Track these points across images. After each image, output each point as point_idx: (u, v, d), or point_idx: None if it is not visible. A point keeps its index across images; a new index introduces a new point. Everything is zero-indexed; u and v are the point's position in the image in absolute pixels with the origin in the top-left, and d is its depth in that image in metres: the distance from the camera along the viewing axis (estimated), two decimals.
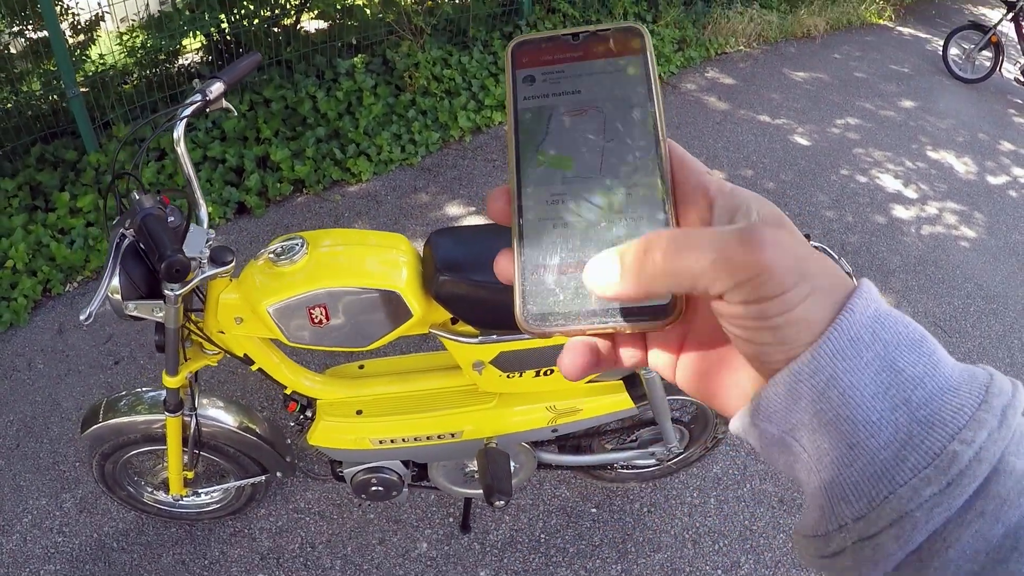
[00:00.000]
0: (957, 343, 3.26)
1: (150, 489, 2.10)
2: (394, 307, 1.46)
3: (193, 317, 1.54)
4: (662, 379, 1.73)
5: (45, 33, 3.18)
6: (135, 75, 3.88)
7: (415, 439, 1.76)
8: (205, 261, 1.39)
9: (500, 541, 2.23)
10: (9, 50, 3.41)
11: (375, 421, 1.73)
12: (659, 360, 0.39)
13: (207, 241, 1.42)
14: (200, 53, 4.20)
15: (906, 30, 7.43)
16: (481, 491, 1.99)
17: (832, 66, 6.08)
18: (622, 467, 2.27)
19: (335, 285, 1.41)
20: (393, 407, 1.76)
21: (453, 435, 1.76)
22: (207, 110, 1.43)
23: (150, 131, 3.24)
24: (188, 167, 1.42)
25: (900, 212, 4.18)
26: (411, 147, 4.00)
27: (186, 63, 4.16)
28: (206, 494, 2.12)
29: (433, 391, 1.79)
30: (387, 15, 4.40)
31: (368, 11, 4.47)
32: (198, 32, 3.92)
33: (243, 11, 4.05)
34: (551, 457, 2.01)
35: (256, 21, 4.09)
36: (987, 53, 6.18)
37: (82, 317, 1.20)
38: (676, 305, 0.35)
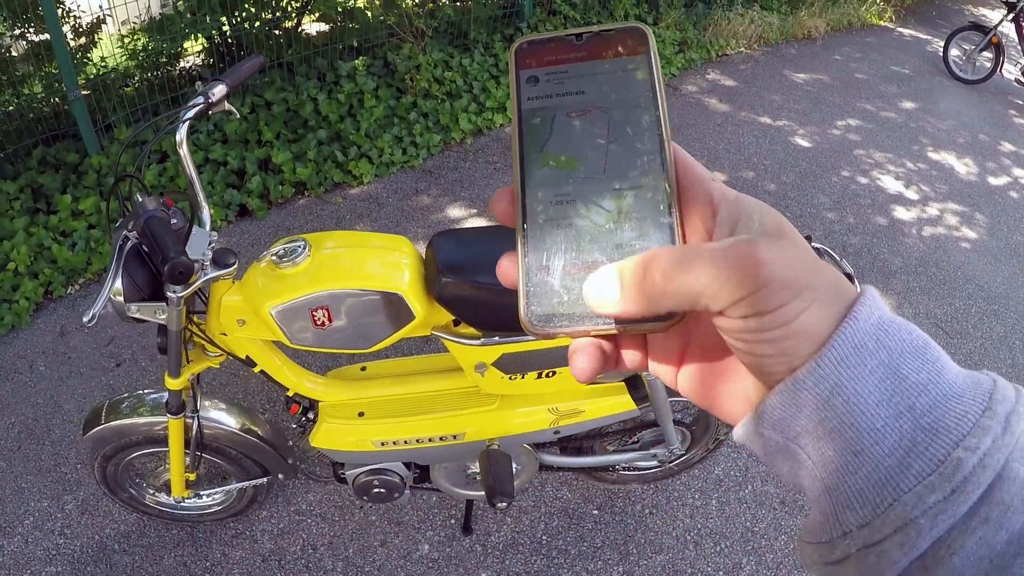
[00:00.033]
0: (958, 344, 3.26)
1: (152, 491, 2.11)
2: (396, 309, 1.46)
3: (195, 319, 1.54)
4: None
5: (47, 36, 3.19)
6: (136, 78, 3.88)
7: (417, 441, 1.76)
8: (208, 263, 1.39)
9: (502, 543, 2.23)
10: (11, 53, 3.41)
11: (377, 423, 1.73)
12: (660, 367, 0.39)
13: (209, 243, 1.42)
14: (201, 56, 4.20)
15: (907, 31, 7.43)
16: (483, 493, 1.99)
17: (833, 67, 6.08)
18: (624, 469, 2.27)
19: (337, 287, 1.41)
20: (395, 409, 1.76)
21: (455, 437, 1.77)
22: (209, 112, 1.44)
23: (152, 133, 3.25)
24: (191, 169, 1.43)
25: (901, 213, 4.19)
26: (412, 149, 4.00)
27: (187, 66, 4.17)
28: (208, 496, 2.13)
29: (435, 393, 1.80)
30: (388, 18, 4.41)
31: (369, 14, 4.48)
32: (199, 35, 3.92)
33: (244, 14, 4.05)
34: (553, 459, 2.01)
35: (257, 24, 4.10)
36: (988, 54, 6.18)
37: (85, 319, 1.20)
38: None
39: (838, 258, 1.64)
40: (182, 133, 1.39)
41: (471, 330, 1.61)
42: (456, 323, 1.62)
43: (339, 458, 1.83)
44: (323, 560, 2.15)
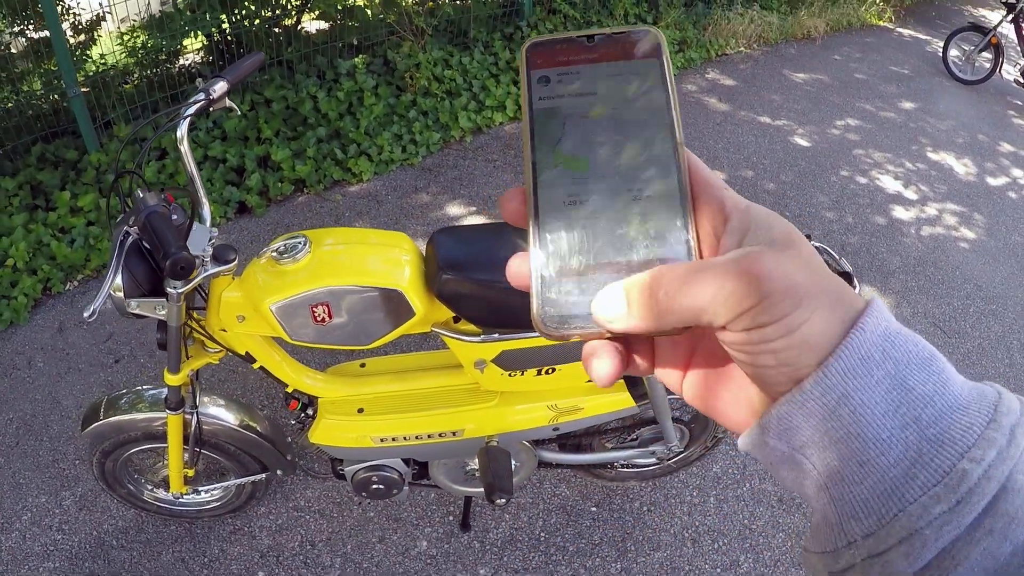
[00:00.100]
0: (956, 344, 3.27)
1: (150, 487, 2.11)
2: (396, 305, 1.46)
3: (195, 315, 1.54)
4: None
5: (46, 33, 3.19)
6: (136, 75, 3.88)
7: (416, 437, 1.76)
8: (208, 259, 1.39)
9: (500, 539, 2.23)
10: (10, 50, 3.41)
11: (376, 419, 1.74)
12: (666, 373, 0.39)
13: (210, 239, 1.43)
14: (201, 53, 4.20)
15: (906, 31, 7.44)
16: (481, 489, 1.99)
17: (832, 67, 6.09)
18: (622, 466, 2.28)
19: (338, 283, 1.41)
20: (394, 405, 1.76)
21: (454, 433, 1.77)
22: (210, 109, 1.44)
23: (151, 130, 3.25)
24: (191, 165, 1.43)
25: (900, 213, 4.19)
26: (412, 147, 4.00)
27: (187, 63, 4.16)
28: (206, 492, 2.13)
29: (435, 389, 1.80)
30: (388, 16, 4.41)
31: (369, 12, 4.48)
32: (199, 32, 3.92)
33: (244, 11, 4.05)
34: (552, 456, 2.01)
35: (257, 21, 4.10)
36: (987, 54, 6.19)
37: (86, 314, 1.20)
38: None
39: (837, 257, 1.65)
40: (183, 130, 1.39)
41: (471, 327, 1.61)
42: (456, 320, 1.62)
43: (338, 454, 1.83)
44: (321, 556, 2.15)
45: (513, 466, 1.94)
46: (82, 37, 3.67)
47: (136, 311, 1.39)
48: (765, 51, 6.16)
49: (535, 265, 0.36)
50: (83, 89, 3.33)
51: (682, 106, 4.92)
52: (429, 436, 1.77)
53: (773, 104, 5.22)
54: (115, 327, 2.80)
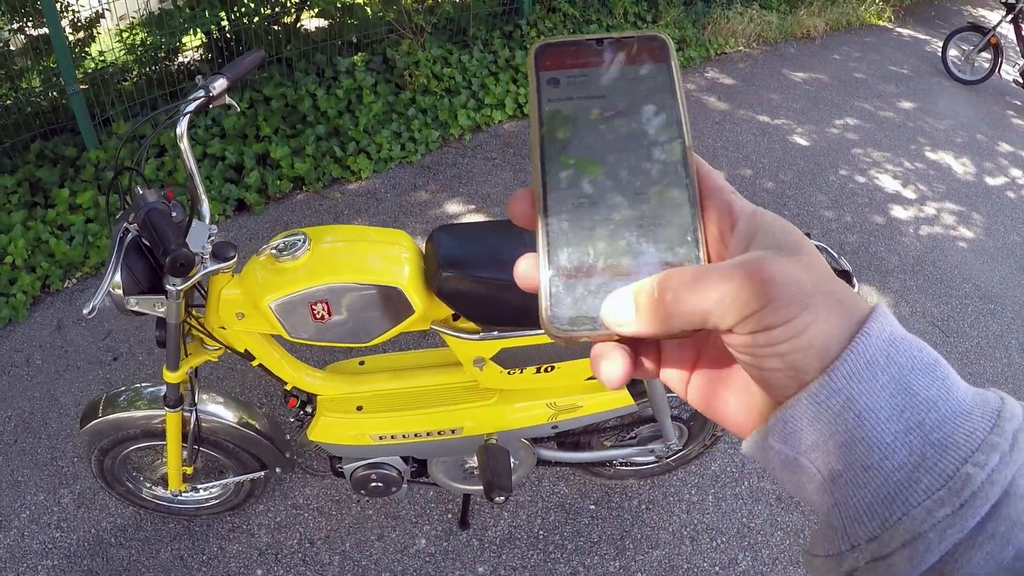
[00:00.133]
0: (954, 343, 3.27)
1: (149, 485, 2.11)
2: (396, 303, 1.46)
3: (194, 312, 1.54)
4: None
5: (45, 30, 3.18)
6: (135, 72, 3.88)
7: (415, 435, 1.76)
8: (207, 256, 1.39)
9: (499, 537, 2.23)
10: (9, 47, 3.40)
11: (375, 417, 1.74)
12: (672, 376, 0.39)
13: (209, 237, 1.42)
14: (200, 51, 4.20)
15: (905, 31, 7.44)
16: (480, 487, 1.99)
17: (831, 67, 6.09)
18: (621, 464, 2.28)
19: (337, 281, 1.41)
20: (394, 403, 1.76)
21: (453, 431, 1.77)
22: (210, 106, 1.44)
23: (150, 127, 3.25)
24: (190, 162, 1.43)
25: (898, 212, 4.19)
26: (411, 145, 4.00)
27: (186, 61, 4.16)
28: (205, 490, 2.13)
29: (434, 387, 1.80)
30: (387, 13, 4.40)
31: (368, 9, 4.48)
32: (198, 30, 3.92)
33: (243, 9, 4.05)
34: (551, 454, 2.01)
35: (256, 19, 4.09)
36: (986, 54, 6.19)
37: (85, 311, 1.20)
38: None
39: (836, 256, 1.65)
40: (182, 127, 1.39)
41: (470, 325, 1.61)
42: (455, 317, 1.62)
43: (337, 452, 1.83)
44: (320, 554, 2.15)
45: (512, 464, 1.95)
46: (81, 34, 3.67)
47: (135, 308, 1.39)
48: (764, 50, 6.17)
49: (543, 267, 0.36)
50: (82, 86, 3.33)
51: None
52: (428, 434, 1.77)
53: (772, 103, 5.22)
54: (114, 325, 2.80)
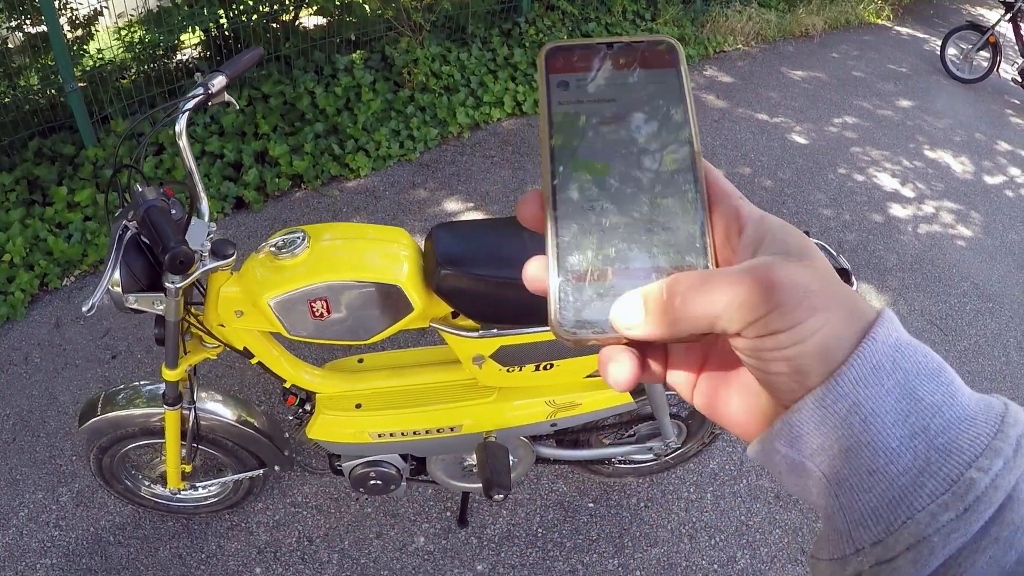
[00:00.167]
0: (952, 341, 3.27)
1: (147, 483, 2.11)
2: (395, 301, 1.46)
3: (193, 310, 1.54)
4: None
5: (43, 28, 3.18)
6: (133, 70, 3.87)
7: (414, 433, 1.76)
8: (206, 254, 1.39)
9: (497, 535, 2.23)
10: (7, 44, 3.40)
11: (374, 415, 1.73)
12: (678, 379, 0.39)
13: (208, 234, 1.42)
14: (198, 48, 4.19)
15: (904, 30, 7.44)
16: (479, 485, 1.99)
17: (830, 65, 6.09)
18: (620, 462, 2.28)
19: (336, 278, 1.41)
20: (392, 401, 1.76)
21: (452, 429, 1.77)
22: (209, 103, 1.43)
23: (149, 125, 3.24)
24: (189, 160, 1.42)
25: (897, 211, 4.20)
26: (409, 143, 3.99)
27: (184, 59, 4.15)
28: (204, 488, 2.13)
29: (433, 385, 1.80)
30: (386, 11, 4.40)
31: (367, 7, 4.47)
32: (196, 27, 3.92)
33: (242, 6, 4.04)
34: (549, 451, 2.01)
35: (255, 17, 4.09)
36: (985, 53, 6.19)
37: (84, 308, 1.20)
38: None
39: (835, 254, 1.65)
40: (181, 124, 1.39)
41: (469, 322, 1.61)
42: (454, 315, 1.62)
43: (336, 450, 1.83)
44: (319, 552, 2.15)
45: (511, 462, 1.95)
46: (79, 32, 3.66)
47: (134, 306, 1.38)
48: (763, 48, 6.16)
49: (552, 269, 0.37)
50: (80, 84, 3.32)
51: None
52: (427, 432, 1.77)
53: (771, 101, 5.22)
54: (112, 323, 2.80)
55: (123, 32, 3.88)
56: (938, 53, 6.45)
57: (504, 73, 4.60)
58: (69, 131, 3.43)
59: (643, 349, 0.38)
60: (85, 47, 3.68)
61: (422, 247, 1.59)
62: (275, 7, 4.28)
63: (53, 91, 3.51)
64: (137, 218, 1.25)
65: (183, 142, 1.40)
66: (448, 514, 2.27)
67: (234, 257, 1.42)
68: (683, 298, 0.33)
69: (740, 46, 6.04)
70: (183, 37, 4.00)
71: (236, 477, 2.01)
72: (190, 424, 1.73)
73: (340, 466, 1.88)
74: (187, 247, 1.20)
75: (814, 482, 0.33)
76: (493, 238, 1.58)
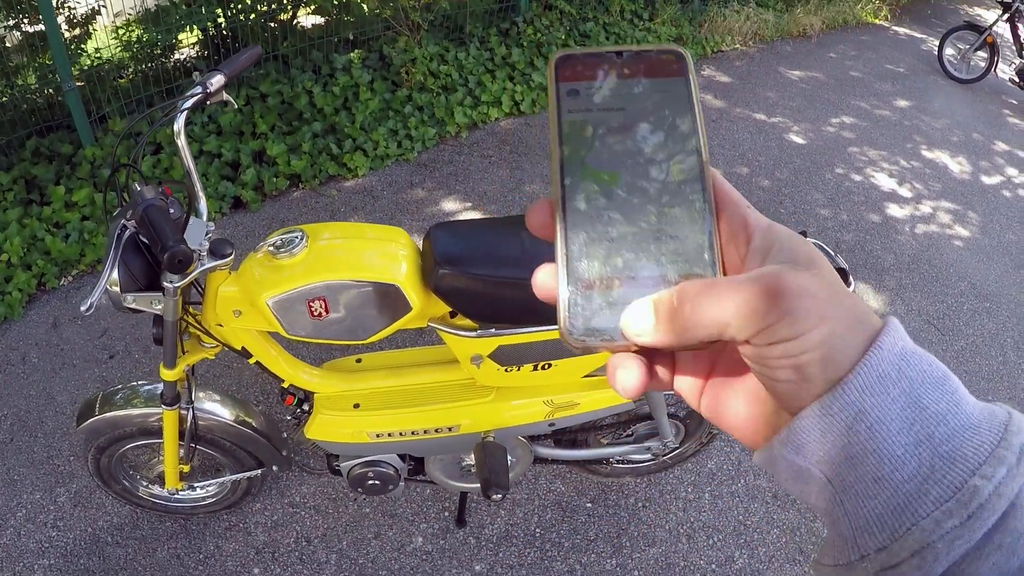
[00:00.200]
0: (950, 341, 3.28)
1: (145, 483, 2.10)
2: (393, 300, 1.46)
3: (191, 310, 1.54)
4: None
5: (41, 27, 3.17)
6: (131, 69, 3.86)
7: (412, 433, 1.76)
8: (204, 253, 1.39)
9: (495, 535, 2.23)
10: (5, 43, 3.39)
11: (373, 415, 1.73)
12: (686, 386, 0.40)
13: (206, 233, 1.42)
14: (196, 48, 4.19)
15: (902, 30, 7.45)
16: (477, 485, 1.99)
17: (828, 65, 6.09)
18: (618, 462, 2.29)
19: (335, 278, 1.41)
20: (391, 401, 1.76)
21: (450, 429, 1.77)
22: (207, 102, 1.43)
23: (147, 124, 3.24)
24: (188, 159, 1.42)
25: (894, 211, 4.20)
26: (407, 142, 3.99)
27: (182, 58, 4.15)
28: (202, 488, 2.13)
29: (431, 385, 1.80)
30: (384, 11, 4.40)
31: (365, 6, 4.47)
32: (194, 27, 3.91)
33: (239, 6, 4.04)
34: (547, 451, 2.02)
35: (253, 16, 4.08)
36: (982, 53, 6.21)
37: (83, 308, 1.19)
38: None
39: (833, 253, 1.65)
40: (180, 123, 1.39)
41: (468, 322, 1.61)
42: (453, 315, 1.62)
43: (334, 450, 1.83)
44: (317, 552, 2.15)
45: (509, 462, 1.95)
46: (77, 31, 3.65)
47: (132, 306, 1.38)
48: (761, 48, 6.17)
49: (562, 277, 0.37)
50: (78, 83, 3.31)
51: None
52: (425, 432, 1.77)
53: (768, 101, 5.22)
54: (110, 323, 2.79)
55: (121, 31, 3.88)
56: (936, 53, 6.46)
57: (502, 73, 4.60)
58: (67, 130, 3.42)
59: (651, 356, 0.38)
60: (83, 46, 3.67)
61: (420, 247, 1.59)
62: (273, 6, 4.28)
63: (51, 90, 3.50)
64: (136, 217, 1.25)
65: (181, 141, 1.40)
66: (446, 514, 2.27)
67: (232, 256, 1.42)
68: (693, 305, 0.33)
69: (738, 46, 6.04)
70: (181, 36, 4.00)
71: (234, 477, 2.00)
72: (188, 424, 1.73)
73: (338, 466, 1.88)
74: (186, 246, 1.20)
75: (820, 489, 0.33)
76: (491, 238, 1.58)
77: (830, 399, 0.31)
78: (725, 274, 0.36)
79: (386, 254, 1.50)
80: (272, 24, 4.21)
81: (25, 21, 3.39)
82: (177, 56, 4.14)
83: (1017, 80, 6.14)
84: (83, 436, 1.80)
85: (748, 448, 0.38)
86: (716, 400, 0.39)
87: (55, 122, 3.40)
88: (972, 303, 3.56)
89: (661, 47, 0.40)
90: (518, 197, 3.75)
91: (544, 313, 1.50)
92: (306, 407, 1.79)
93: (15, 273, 2.87)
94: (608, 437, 2.18)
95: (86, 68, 3.56)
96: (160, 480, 2.01)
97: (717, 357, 0.39)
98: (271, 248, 1.43)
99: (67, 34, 3.53)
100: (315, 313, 1.44)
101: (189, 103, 1.38)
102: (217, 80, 1.43)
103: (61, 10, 3.49)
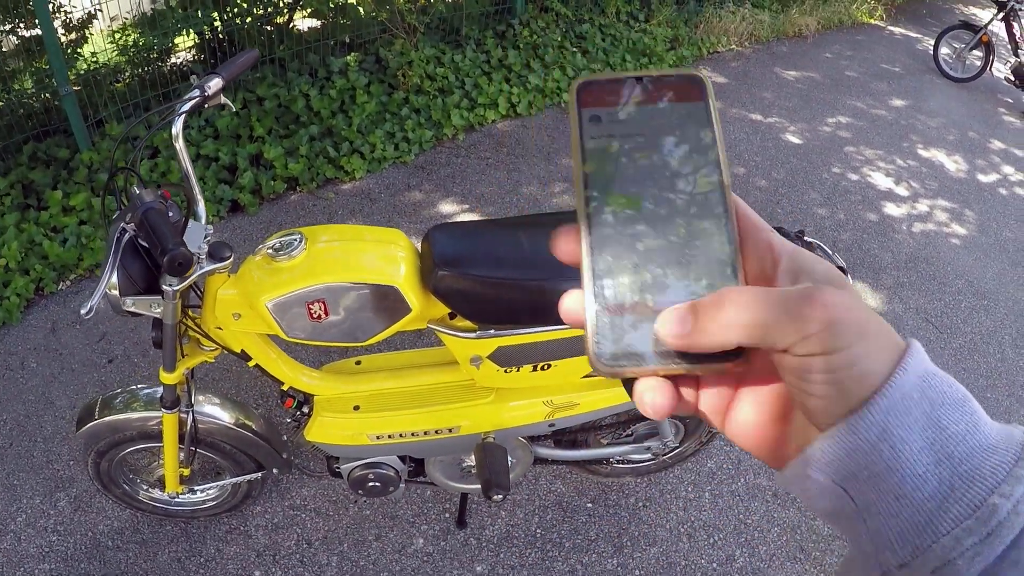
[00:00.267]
0: (948, 339, 3.28)
1: (146, 487, 2.10)
2: (392, 302, 1.46)
3: (190, 313, 1.54)
4: None
5: (38, 31, 3.17)
6: (127, 73, 3.86)
7: (412, 434, 1.76)
8: (203, 257, 1.39)
9: (496, 536, 2.23)
10: (1, 48, 3.39)
11: (373, 417, 1.73)
12: (710, 408, 0.40)
13: (205, 236, 1.42)
14: (192, 52, 4.19)
15: (897, 29, 7.47)
16: (477, 486, 2.00)
17: (823, 65, 6.11)
18: (618, 461, 2.29)
19: (334, 280, 1.41)
20: (390, 402, 1.76)
21: (451, 430, 1.77)
22: (205, 105, 1.43)
23: (144, 129, 3.24)
24: (186, 162, 1.42)
25: (891, 210, 4.21)
26: (404, 145, 4.00)
27: (178, 62, 4.15)
28: (202, 491, 2.12)
29: (431, 386, 1.80)
30: (380, 13, 4.40)
31: (361, 9, 4.47)
32: (191, 30, 3.91)
33: (236, 9, 4.04)
34: (548, 452, 2.02)
35: (249, 19, 4.09)
36: (977, 52, 6.22)
37: (83, 311, 1.19)
38: (744, 348, 0.36)
39: (831, 252, 1.66)
40: (178, 126, 1.39)
41: (467, 323, 1.61)
42: (452, 316, 1.62)
43: (334, 452, 1.83)
44: (318, 555, 2.15)
45: (509, 462, 1.95)
46: (74, 35, 3.65)
47: (131, 309, 1.38)
48: (756, 49, 6.18)
49: (589, 303, 0.37)
50: (75, 88, 3.31)
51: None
52: (425, 433, 1.77)
53: (764, 102, 5.23)
54: (108, 327, 2.79)
55: (117, 35, 3.88)
56: (931, 52, 6.48)
57: (498, 75, 4.60)
58: (64, 135, 3.42)
59: (676, 380, 0.38)
60: (79, 50, 3.67)
61: (419, 248, 1.59)
62: (269, 9, 4.28)
63: (47, 95, 3.50)
64: (135, 220, 1.25)
65: (180, 144, 1.40)
66: (447, 515, 2.27)
67: (231, 259, 1.42)
68: (737, 307, 0.33)
69: (734, 47, 6.05)
70: (177, 40, 4.00)
71: (234, 480, 2.00)
72: (188, 427, 1.73)
73: (338, 468, 1.88)
74: (185, 249, 1.20)
75: (843, 506, 0.34)
76: (490, 239, 1.58)
77: (857, 418, 0.32)
78: None
79: (385, 256, 1.51)
80: (268, 27, 4.21)
81: (21, 26, 3.39)
82: (174, 60, 4.14)
83: (1012, 79, 6.16)
84: (83, 440, 1.80)
85: (771, 467, 0.38)
86: (741, 423, 0.39)
87: (52, 127, 3.40)
88: (970, 301, 3.56)
89: (681, 72, 0.40)
90: (515, 199, 3.76)
91: (543, 314, 1.50)
92: (306, 410, 1.79)
93: (13, 278, 2.86)
94: (608, 437, 2.18)
95: (83, 72, 3.55)
96: (160, 484, 2.01)
97: (742, 380, 0.39)
98: (270, 251, 1.44)
99: (64, 38, 3.53)
100: (314, 315, 1.44)
101: (187, 106, 1.39)
102: (215, 83, 1.43)
103: (58, 14, 3.48)
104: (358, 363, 1.86)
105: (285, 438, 1.96)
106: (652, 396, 0.37)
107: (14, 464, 2.32)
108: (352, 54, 4.33)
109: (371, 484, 1.87)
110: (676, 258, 0.37)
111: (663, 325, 0.35)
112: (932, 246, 3.95)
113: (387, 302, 1.46)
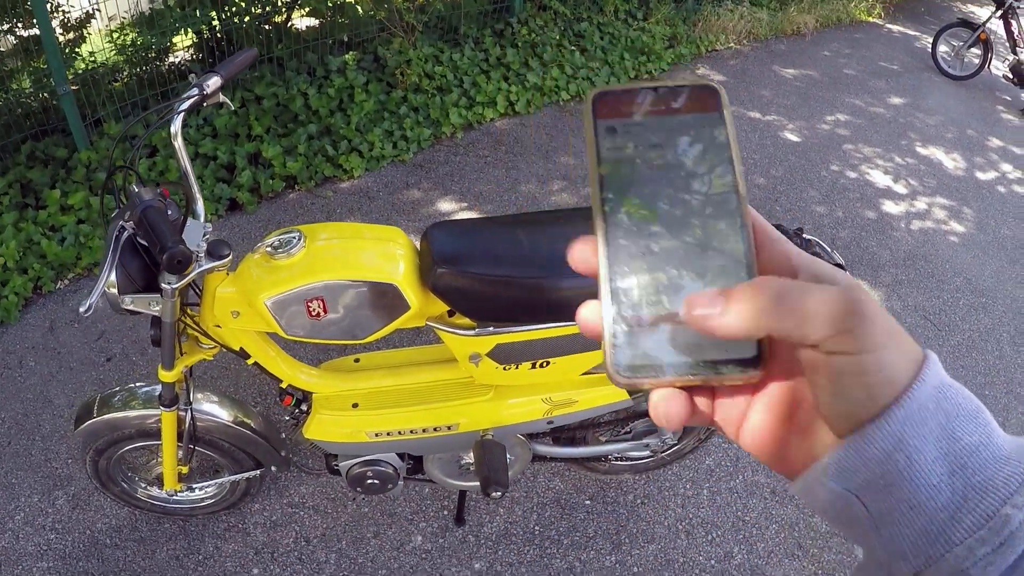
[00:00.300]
0: (946, 337, 3.29)
1: (144, 485, 2.10)
2: (391, 300, 1.47)
3: (189, 311, 1.54)
4: None
5: (36, 31, 3.16)
6: (125, 73, 3.86)
7: (411, 432, 1.77)
8: (202, 255, 1.39)
9: (495, 533, 2.24)
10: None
11: (371, 414, 1.74)
12: (724, 419, 0.40)
13: (204, 235, 1.43)
14: (191, 51, 4.19)
15: (895, 27, 7.47)
16: (475, 484, 2.00)
17: (822, 63, 6.11)
18: (616, 459, 2.29)
19: (333, 278, 1.41)
20: (389, 400, 1.76)
21: (449, 427, 1.77)
22: (204, 104, 1.44)
23: (142, 128, 3.23)
24: (185, 161, 1.42)
25: (890, 207, 4.22)
26: (403, 143, 4.00)
27: (176, 61, 4.15)
28: (200, 489, 2.13)
29: (429, 384, 1.80)
30: (378, 12, 4.40)
31: (359, 8, 4.47)
32: (189, 29, 3.91)
33: (234, 8, 4.04)
34: (546, 449, 2.02)
35: (247, 18, 4.08)
36: (976, 50, 6.22)
37: (82, 309, 1.20)
38: (762, 357, 0.36)
39: (829, 250, 1.66)
40: (177, 125, 1.39)
41: (466, 321, 1.61)
42: (451, 314, 1.63)
43: (333, 449, 1.83)
44: (316, 552, 2.15)
45: (508, 460, 1.95)
46: (71, 35, 3.64)
47: (130, 307, 1.38)
48: (755, 47, 6.18)
49: (607, 314, 0.37)
50: (73, 87, 3.31)
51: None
52: (424, 430, 1.77)
53: (763, 99, 5.24)
54: (106, 325, 2.79)
55: (115, 35, 3.87)
56: (929, 50, 6.48)
57: (497, 73, 4.60)
58: (62, 134, 3.42)
59: (691, 390, 0.38)
60: (77, 50, 3.66)
61: (418, 246, 1.59)
62: (267, 8, 4.28)
63: (45, 94, 3.50)
64: (134, 218, 1.25)
65: (178, 143, 1.40)
66: (445, 512, 2.28)
67: (230, 257, 1.42)
68: (772, 294, 0.33)
69: (732, 45, 6.05)
70: (175, 39, 4.00)
71: (233, 478, 2.00)
72: (186, 425, 1.73)
73: (337, 466, 1.88)
74: (184, 246, 1.20)
75: (857, 515, 0.34)
76: (489, 237, 1.59)
77: (874, 427, 0.32)
78: None
79: (384, 254, 1.51)
80: (267, 26, 4.21)
81: (19, 25, 3.39)
82: (172, 59, 4.14)
83: (1011, 76, 6.15)
84: (81, 438, 1.80)
85: (786, 477, 0.39)
86: (757, 433, 0.39)
87: (50, 126, 3.40)
88: (968, 299, 3.57)
89: (695, 82, 0.40)
90: (514, 197, 3.76)
91: (542, 311, 1.51)
92: (304, 407, 1.79)
93: (11, 277, 2.86)
94: (606, 434, 2.19)
95: (81, 72, 3.55)
96: (159, 482, 2.01)
97: (757, 390, 0.39)
98: (269, 249, 1.44)
99: (62, 38, 3.52)
100: (313, 313, 1.44)
101: (186, 104, 1.39)
102: (213, 82, 1.43)
103: (56, 14, 3.48)
104: (357, 361, 1.86)
105: (284, 436, 1.96)
106: (667, 407, 0.37)
107: (12, 462, 2.32)
108: (350, 53, 4.33)
109: (370, 481, 1.87)
110: (693, 270, 0.37)
111: (692, 306, 0.34)
112: (930, 244, 3.95)
113: (386, 300, 1.47)
